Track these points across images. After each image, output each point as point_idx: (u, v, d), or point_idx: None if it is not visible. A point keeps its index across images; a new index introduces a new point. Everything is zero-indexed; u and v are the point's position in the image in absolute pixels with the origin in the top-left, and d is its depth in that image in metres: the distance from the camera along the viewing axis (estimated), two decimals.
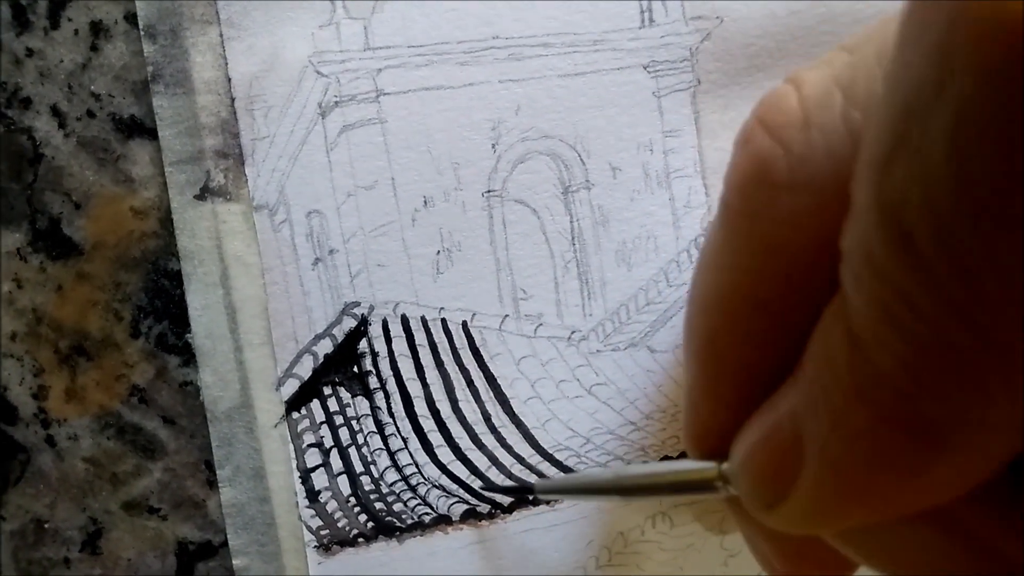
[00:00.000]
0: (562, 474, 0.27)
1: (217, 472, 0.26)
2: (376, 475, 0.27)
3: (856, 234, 0.13)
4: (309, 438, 0.27)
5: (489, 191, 0.27)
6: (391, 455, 0.27)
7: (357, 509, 0.27)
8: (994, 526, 0.15)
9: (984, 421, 0.12)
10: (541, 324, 0.28)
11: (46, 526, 0.26)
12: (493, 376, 0.28)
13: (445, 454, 0.27)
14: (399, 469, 0.27)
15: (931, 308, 0.12)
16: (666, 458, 0.28)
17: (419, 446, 0.27)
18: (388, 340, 0.27)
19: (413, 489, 0.27)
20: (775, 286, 0.16)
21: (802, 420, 0.15)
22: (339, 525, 0.27)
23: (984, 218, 0.11)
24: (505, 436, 0.28)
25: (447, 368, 0.27)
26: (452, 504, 0.27)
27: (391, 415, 0.27)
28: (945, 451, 0.13)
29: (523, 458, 0.28)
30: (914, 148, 0.11)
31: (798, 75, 0.16)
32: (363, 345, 0.27)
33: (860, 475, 0.14)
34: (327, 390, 0.27)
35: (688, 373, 0.19)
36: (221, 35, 0.26)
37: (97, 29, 0.26)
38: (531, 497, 0.27)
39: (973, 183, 0.11)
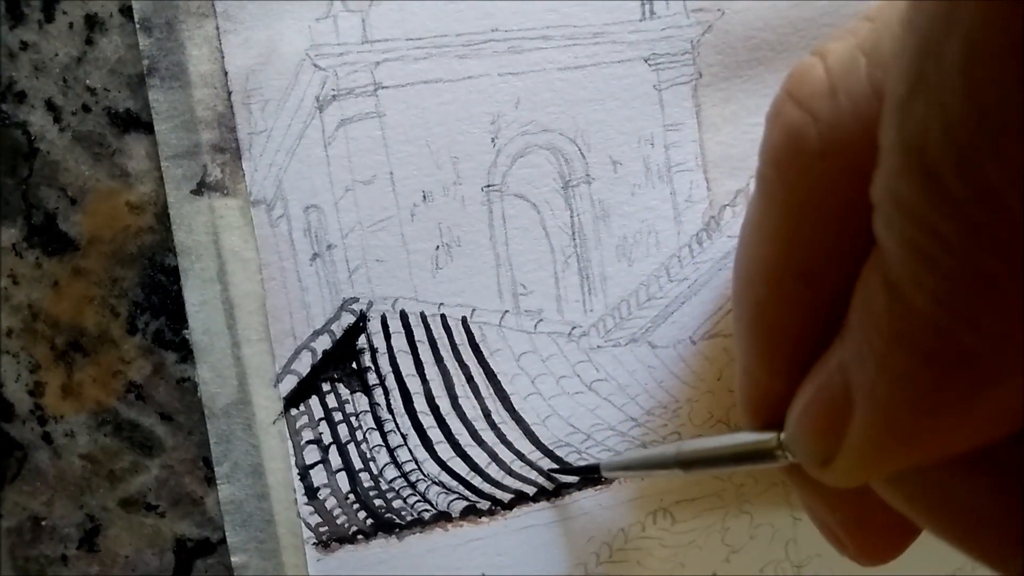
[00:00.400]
0: (626, 451, 0.27)
1: (215, 469, 0.26)
2: (375, 472, 0.27)
3: (884, 179, 0.13)
4: (308, 435, 0.27)
5: (489, 185, 0.27)
6: (390, 452, 0.27)
7: (356, 506, 0.27)
8: None
9: (1021, 348, 0.13)
10: (541, 320, 0.28)
11: (43, 523, 0.26)
12: (493, 372, 0.27)
13: (445, 451, 0.27)
14: (398, 466, 0.27)
15: (960, 240, 0.12)
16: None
17: (418, 443, 0.27)
18: (387, 336, 0.27)
19: (412, 486, 0.27)
20: (817, 253, 0.17)
21: (849, 371, 0.15)
22: (338, 522, 0.27)
23: (1002, 143, 0.11)
24: (505, 432, 0.27)
25: (446, 364, 0.27)
26: (452, 501, 0.27)
27: (390, 411, 0.27)
28: (987, 382, 0.13)
29: (523, 454, 0.27)
30: (931, 83, 0.12)
31: (823, 46, 0.17)
32: (362, 341, 0.27)
33: (908, 416, 0.14)
34: (326, 386, 0.27)
35: (740, 346, 0.19)
36: (217, 28, 0.26)
37: (92, 22, 0.26)
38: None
39: (988, 110, 0.11)
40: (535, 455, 0.28)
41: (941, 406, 0.14)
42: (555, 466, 0.27)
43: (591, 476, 0.27)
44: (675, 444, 0.22)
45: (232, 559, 0.26)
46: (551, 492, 0.28)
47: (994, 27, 0.11)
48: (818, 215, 0.16)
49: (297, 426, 0.27)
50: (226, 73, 0.26)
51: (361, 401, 0.27)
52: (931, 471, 0.16)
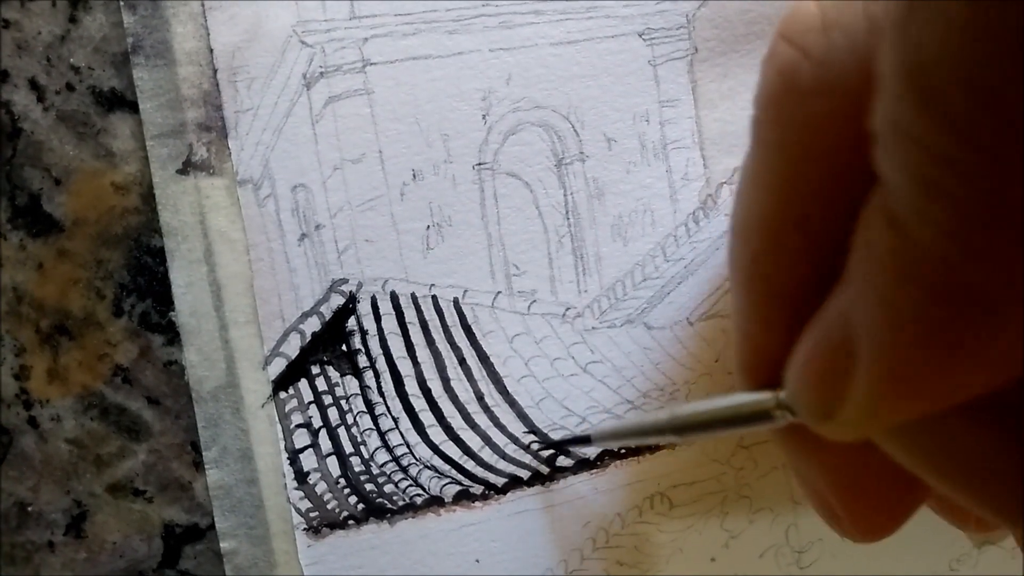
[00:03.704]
0: (623, 419, 0.27)
1: (203, 453, 0.26)
2: (366, 456, 0.26)
3: (884, 106, 0.12)
4: (297, 418, 0.26)
5: (480, 164, 0.27)
6: (381, 435, 0.27)
7: (347, 491, 0.26)
8: None
9: None
10: (535, 301, 0.27)
11: (29, 509, 0.26)
12: (486, 354, 0.27)
13: (437, 434, 0.27)
14: (390, 450, 0.27)
15: (969, 163, 0.11)
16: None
17: (410, 426, 0.27)
18: (377, 318, 0.26)
19: (404, 470, 0.27)
20: (814, 198, 0.16)
21: (851, 317, 0.15)
22: (329, 507, 0.26)
23: (1009, 55, 0.10)
24: (498, 415, 0.27)
25: (438, 346, 0.27)
26: (444, 485, 0.27)
27: (381, 394, 0.27)
28: (997, 321, 0.12)
29: (517, 437, 0.27)
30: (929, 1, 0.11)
31: None
32: (351, 323, 0.26)
33: (914, 360, 0.13)
34: (315, 369, 0.26)
35: (735, 303, 0.18)
36: (202, 5, 0.25)
37: (75, 0, 0.25)
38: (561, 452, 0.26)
39: (992, 19, 0.10)
40: (529, 438, 0.27)
41: (950, 348, 0.13)
42: (547, 463, 0.27)
43: (583, 445, 0.26)
44: (669, 409, 0.21)
45: (221, 545, 0.26)
46: (546, 476, 0.27)
47: None
48: (814, 157, 0.16)
49: (286, 409, 0.26)
50: (211, 50, 0.25)
51: (351, 384, 0.26)
52: (935, 421, 0.16)
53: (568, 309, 0.27)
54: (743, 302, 0.18)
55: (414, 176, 0.26)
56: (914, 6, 0.11)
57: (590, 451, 0.27)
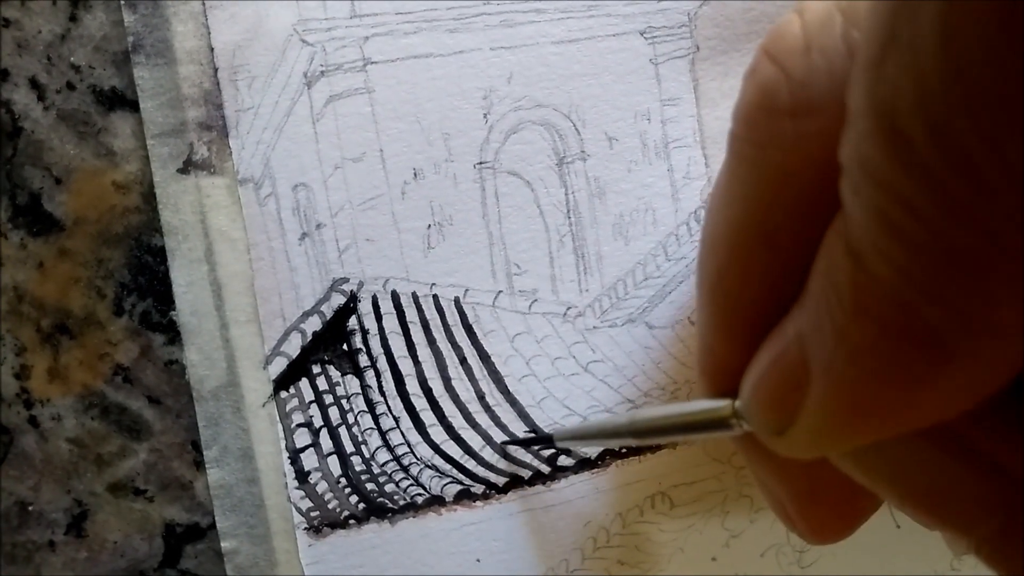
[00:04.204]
0: (584, 421, 0.27)
1: (204, 453, 0.26)
2: (367, 455, 0.26)
3: (852, 141, 0.12)
4: (298, 418, 0.26)
5: (481, 163, 0.27)
6: (382, 435, 0.26)
7: (348, 490, 0.26)
8: (999, 443, 0.15)
9: (988, 326, 0.12)
10: (536, 300, 0.27)
11: (30, 509, 0.26)
12: (487, 353, 0.27)
13: (438, 433, 0.27)
14: (391, 449, 0.27)
15: (931, 209, 0.11)
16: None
17: (411, 425, 0.27)
18: (378, 317, 0.26)
19: (405, 469, 0.27)
20: (782, 216, 0.16)
21: (807, 340, 0.15)
22: (330, 507, 0.26)
23: (980, 109, 0.10)
24: (499, 415, 0.27)
25: (439, 346, 0.27)
26: (445, 484, 0.27)
27: (382, 394, 0.26)
28: (950, 360, 0.13)
29: (517, 437, 0.27)
30: (904, 43, 0.11)
31: (801, 4, 0.16)
32: (352, 322, 0.26)
33: (866, 390, 0.14)
34: (316, 368, 0.26)
35: (699, 311, 0.19)
36: (203, 3, 0.25)
37: None
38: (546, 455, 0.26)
39: (965, 72, 0.10)
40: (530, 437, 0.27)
41: (901, 383, 0.13)
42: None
43: (544, 446, 0.27)
44: (629, 413, 0.22)
45: (222, 544, 0.26)
46: (547, 476, 0.27)
47: None
48: (786, 176, 0.16)
49: (287, 409, 0.26)
50: (212, 49, 0.25)
51: (352, 383, 0.26)
52: (890, 443, 0.16)
53: (569, 308, 0.27)
54: (706, 311, 0.18)
55: (415, 175, 0.26)
56: (888, 49, 0.11)
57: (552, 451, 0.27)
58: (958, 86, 0.11)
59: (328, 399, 0.26)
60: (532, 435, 0.27)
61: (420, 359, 0.27)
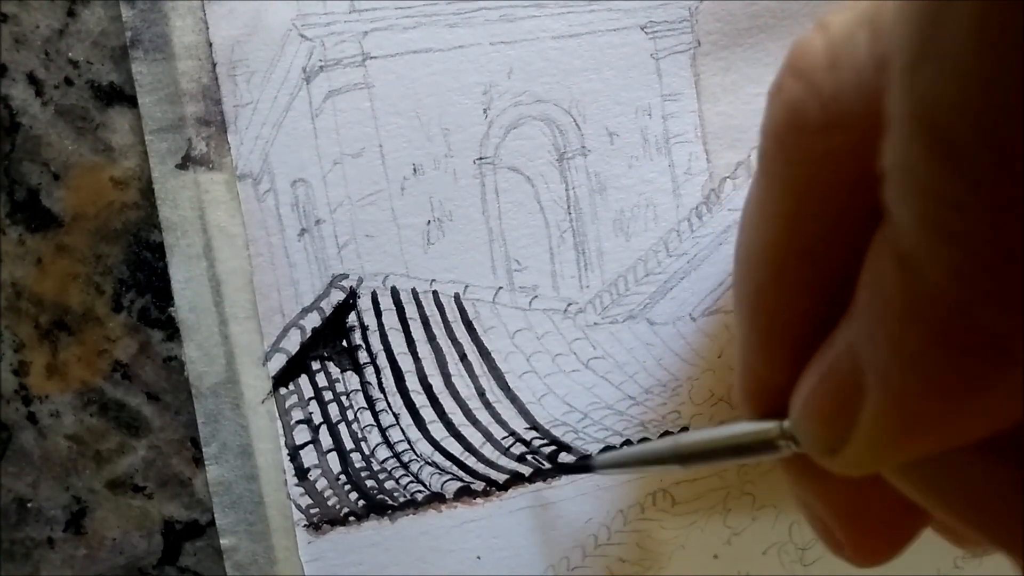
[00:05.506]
0: (626, 447, 0.27)
1: (203, 449, 0.26)
2: (367, 452, 0.26)
3: (894, 148, 0.12)
4: (297, 414, 0.26)
5: (481, 158, 0.26)
6: (382, 431, 0.26)
7: (347, 487, 0.26)
8: None
9: None
10: (536, 296, 0.27)
11: (29, 505, 0.26)
12: (487, 350, 0.27)
13: (438, 430, 0.27)
14: (391, 446, 0.26)
15: (980, 209, 0.11)
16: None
17: (411, 422, 0.26)
18: (378, 313, 0.26)
19: (405, 466, 0.26)
20: (820, 232, 0.16)
21: (859, 352, 0.15)
22: (329, 503, 0.26)
23: (1021, 106, 0.10)
24: (500, 411, 0.27)
25: (439, 342, 0.27)
26: (445, 481, 0.27)
27: (382, 390, 0.26)
28: (1011, 363, 0.12)
29: (518, 434, 0.27)
30: (941, 44, 0.11)
31: (825, 19, 0.16)
32: (352, 318, 0.26)
33: (924, 400, 0.13)
34: (315, 365, 0.26)
35: (740, 332, 0.19)
36: None
37: None
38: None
39: (1005, 68, 0.10)
40: (530, 434, 0.27)
41: (960, 389, 0.13)
42: (549, 459, 0.27)
43: (584, 472, 0.26)
44: (672, 438, 0.21)
45: (221, 541, 0.26)
46: (547, 472, 0.27)
47: None
48: (821, 192, 0.16)
49: (286, 405, 0.26)
50: (211, 44, 0.25)
51: (352, 380, 0.26)
52: (945, 456, 0.16)
53: (570, 305, 0.27)
54: (747, 332, 0.18)
55: (415, 171, 0.26)
56: (925, 51, 0.11)
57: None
58: (998, 83, 0.10)
59: (328, 395, 0.26)
60: (571, 463, 0.26)
61: (420, 355, 0.27)
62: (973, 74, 0.11)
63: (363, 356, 0.26)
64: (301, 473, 0.26)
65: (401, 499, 0.26)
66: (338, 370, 0.26)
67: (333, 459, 0.26)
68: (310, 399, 0.26)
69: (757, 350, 0.18)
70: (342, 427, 0.26)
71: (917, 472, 0.17)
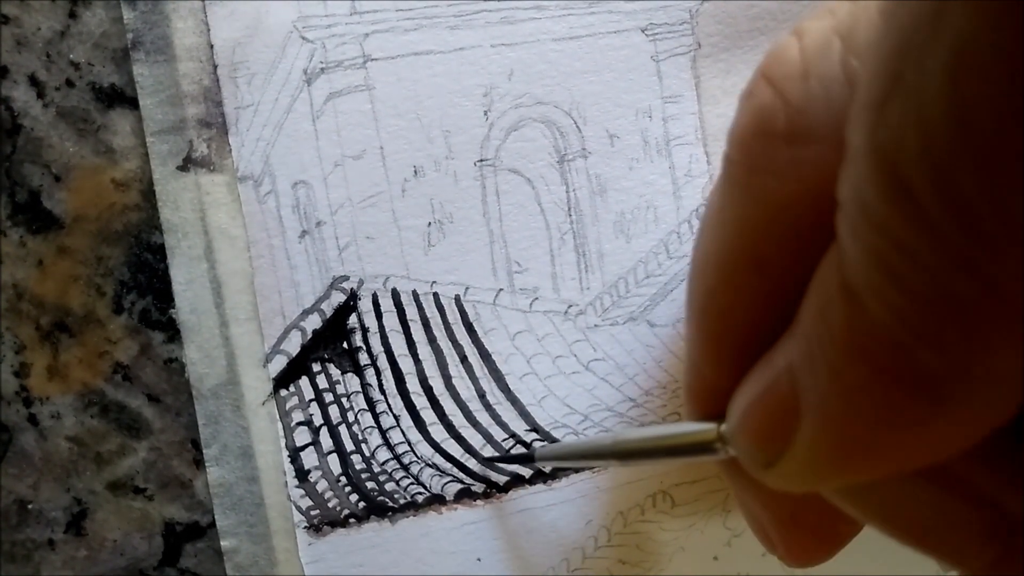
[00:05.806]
0: (568, 439, 0.27)
1: (204, 451, 0.26)
2: (367, 454, 0.26)
3: (851, 182, 0.12)
4: (298, 416, 0.26)
5: (482, 160, 0.26)
6: (383, 433, 0.26)
7: (348, 489, 0.26)
8: (996, 482, 0.15)
9: (985, 373, 0.12)
10: (537, 298, 0.27)
11: (29, 507, 0.26)
12: (487, 352, 0.27)
13: (438, 432, 0.27)
14: (391, 447, 0.26)
15: (931, 257, 0.11)
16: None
17: (411, 424, 0.26)
18: (379, 315, 0.26)
19: (406, 468, 0.26)
20: (774, 242, 0.16)
21: (799, 375, 0.15)
22: (330, 505, 0.26)
23: (985, 160, 0.10)
24: (500, 413, 0.27)
25: (440, 344, 0.27)
26: (446, 483, 0.27)
27: (382, 392, 0.26)
28: (946, 405, 0.12)
29: (519, 436, 0.27)
30: (910, 88, 0.11)
31: (801, 26, 0.16)
32: (353, 320, 0.26)
33: (858, 431, 0.13)
34: (316, 367, 0.26)
35: (688, 333, 0.19)
36: (203, 0, 0.25)
37: None
38: (527, 473, 0.26)
39: (972, 123, 0.10)
40: (531, 436, 0.27)
41: (895, 425, 0.13)
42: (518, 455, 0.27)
43: (524, 464, 0.26)
44: (612, 434, 0.21)
45: (222, 543, 0.26)
46: (548, 474, 0.27)
47: (988, 30, 0.10)
48: (779, 202, 0.16)
49: (287, 407, 0.26)
50: (212, 46, 0.25)
51: (352, 382, 0.26)
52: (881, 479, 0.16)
53: (570, 306, 0.27)
54: (694, 332, 0.18)
55: (415, 172, 0.26)
56: (891, 92, 0.11)
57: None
58: (963, 137, 0.10)
59: (328, 397, 0.26)
60: (514, 454, 0.26)
61: (420, 357, 0.27)
62: (939, 125, 0.11)
63: (364, 358, 0.26)
64: (302, 475, 0.26)
65: (401, 501, 0.26)
66: (339, 372, 0.26)
67: (334, 461, 0.26)
68: (311, 401, 0.26)
69: (703, 351, 0.18)
70: (343, 429, 0.26)
71: (851, 491, 0.17)
